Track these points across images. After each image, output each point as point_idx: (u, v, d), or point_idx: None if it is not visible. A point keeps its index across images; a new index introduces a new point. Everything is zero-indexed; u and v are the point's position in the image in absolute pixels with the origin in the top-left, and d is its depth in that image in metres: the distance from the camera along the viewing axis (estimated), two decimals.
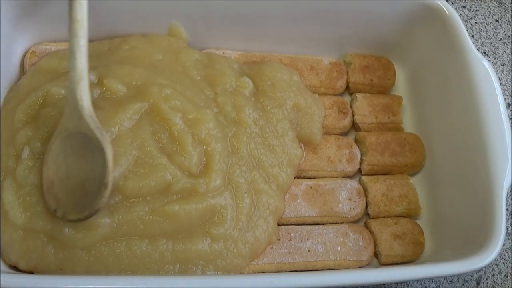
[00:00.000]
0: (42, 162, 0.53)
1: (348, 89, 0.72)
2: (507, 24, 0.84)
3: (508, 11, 0.85)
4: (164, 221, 0.54)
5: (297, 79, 0.67)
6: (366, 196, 0.65)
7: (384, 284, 0.64)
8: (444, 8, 0.64)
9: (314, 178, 0.65)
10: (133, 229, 0.53)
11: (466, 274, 0.66)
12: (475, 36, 0.83)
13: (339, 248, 0.60)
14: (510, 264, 0.68)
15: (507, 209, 0.56)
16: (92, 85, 0.58)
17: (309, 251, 0.59)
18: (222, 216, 0.56)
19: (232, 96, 0.63)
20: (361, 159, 0.67)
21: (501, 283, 0.66)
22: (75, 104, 0.53)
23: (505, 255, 0.68)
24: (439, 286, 0.65)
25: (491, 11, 0.85)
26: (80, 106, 0.52)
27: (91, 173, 0.52)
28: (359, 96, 0.70)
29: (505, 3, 0.85)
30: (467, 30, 0.62)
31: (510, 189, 0.65)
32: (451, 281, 0.66)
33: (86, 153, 0.52)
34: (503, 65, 0.81)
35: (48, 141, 0.54)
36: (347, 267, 0.60)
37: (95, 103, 0.57)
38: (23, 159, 0.54)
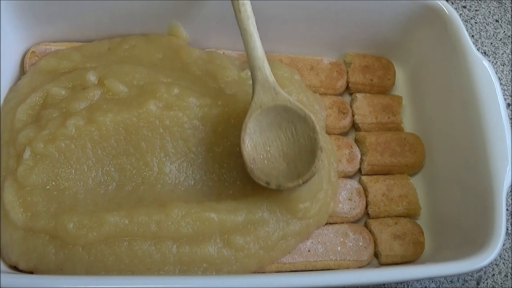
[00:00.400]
0: (240, 142, 0.55)
1: (348, 89, 0.72)
2: (507, 24, 0.84)
3: (508, 11, 0.85)
4: (187, 226, 0.54)
5: (298, 78, 0.67)
6: (366, 196, 0.65)
7: (384, 284, 0.64)
8: (444, 8, 0.64)
9: None
10: (142, 230, 0.53)
11: (466, 274, 0.66)
12: (475, 36, 0.83)
13: (339, 248, 0.60)
14: (510, 264, 0.68)
15: (507, 209, 0.56)
16: (92, 86, 0.59)
17: (309, 251, 0.59)
18: (250, 229, 0.56)
19: (239, 86, 0.63)
20: (361, 159, 0.67)
21: (501, 283, 0.67)
22: (266, 80, 0.55)
23: (505, 255, 0.68)
24: (439, 286, 0.65)
25: (491, 11, 0.85)
26: (272, 82, 0.56)
27: (294, 142, 0.55)
28: (359, 96, 0.70)
29: (505, 3, 0.85)
30: (467, 30, 0.62)
31: (510, 189, 0.65)
32: (451, 281, 0.66)
33: (283, 124, 0.55)
34: (503, 65, 0.81)
35: (52, 143, 0.55)
36: (347, 267, 0.60)
37: (98, 105, 0.57)
38: (25, 160, 0.54)
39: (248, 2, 0.57)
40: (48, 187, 0.55)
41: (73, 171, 0.56)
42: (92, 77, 0.59)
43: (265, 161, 0.55)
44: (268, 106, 0.55)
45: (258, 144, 0.55)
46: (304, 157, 0.54)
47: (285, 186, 0.53)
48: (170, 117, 0.57)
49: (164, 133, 0.58)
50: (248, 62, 0.56)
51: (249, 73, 0.65)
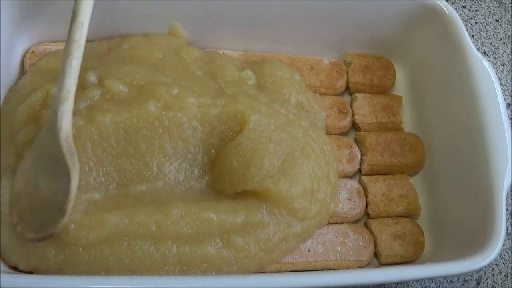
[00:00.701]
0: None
1: (348, 89, 0.72)
2: (507, 24, 0.84)
3: (508, 11, 0.85)
4: (187, 225, 0.54)
5: (298, 78, 0.67)
6: (366, 196, 0.65)
7: (384, 284, 0.64)
8: (444, 8, 0.64)
9: None
10: (142, 230, 0.53)
11: (466, 274, 0.66)
12: (475, 36, 0.83)
13: (339, 248, 0.60)
14: (510, 264, 0.68)
15: (507, 209, 0.56)
16: (92, 86, 0.58)
17: (309, 251, 0.59)
18: (250, 231, 0.56)
19: (239, 86, 0.63)
20: (361, 159, 0.67)
21: (501, 283, 0.66)
22: (54, 123, 0.51)
23: (505, 255, 0.68)
24: (439, 286, 0.65)
25: (491, 11, 0.85)
26: (58, 127, 0.51)
27: (55, 196, 0.51)
28: (359, 96, 0.70)
29: (505, 3, 0.85)
30: (467, 30, 0.62)
31: (510, 189, 0.65)
32: (451, 281, 0.66)
33: (55, 174, 0.51)
34: (503, 65, 0.81)
35: None
36: (347, 267, 0.60)
37: (98, 105, 0.57)
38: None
39: (78, 42, 0.54)
40: None
41: None
42: (92, 77, 0.59)
43: (28, 204, 0.52)
44: (47, 150, 0.52)
45: (29, 184, 0.52)
46: (54, 213, 0.50)
47: (26, 236, 0.51)
48: (169, 118, 0.57)
49: (163, 133, 0.57)
50: (51, 101, 0.53)
51: (249, 73, 0.65)
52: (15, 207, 0.52)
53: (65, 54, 0.53)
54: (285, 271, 0.58)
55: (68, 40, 0.54)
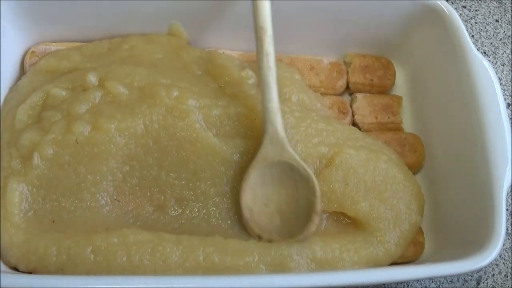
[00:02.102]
0: (239, 190, 0.56)
1: (348, 89, 0.72)
2: (507, 24, 0.84)
3: (508, 11, 0.85)
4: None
5: (298, 77, 0.67)
6: None
7: (384, 284, 0.64)
8: (444, 8, 0.64)
9: None
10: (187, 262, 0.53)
11: (466, 274, 0.66)
12: (475, 36, 0.83)
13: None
14: (510, 264, 0.68)
15: (507, 209, 0.56)
16: (93, 88, 0.58)
17: None
18: None
19: (238, 86, 0.63)
20: None
21: (501, 283, 0.66)
22: (276, 135, 0.55)
23: (505, 255, 0.68)
24: (439, 286, 0.65)
25: (491, 11, 0.85)
26: (282, 137, 0.55)
27: (293, 200, 0.56)
28: (359, 96, 0.70)
29: (505, 3, 0.85)
30: (467, 30, 0.62)
31: (510, 189, 0.65)
32: (451, 281, 0.66)
33: (286, 181, 0.56)
34: (503, 65, 0.81)
35: (60, 146, 0.55)
36: None
37: (99, 109, 0.57)
38: (35, 166, 0.54)
39: (273, 54, 0.57)
40: (57, 192, 0.55)
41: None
42: (92, 78, 0.59)
43: (261, 214, 0.56)
44: (273, 161, 0.55)
45: (257, 196, 0.56)
46: (300, 217, 0.55)
47: (274, 241, 0.54)
48: (174, 126, 0.57)
49: (168, 146, 0.57)
50: (263, 113, 0.56)
51: (249, 72, 0.65)
52: (251, 221, 0.55)
53: (265, 68, 0.56)
54: None
55: (262, 54, 0.57)
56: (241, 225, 0.57)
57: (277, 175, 0.56)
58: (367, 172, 0.59)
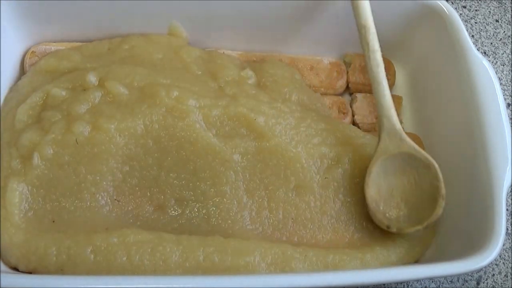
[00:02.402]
0: (363, 185, 0.58)
1: (348, 89, 0.72)
2: (507, 24, 0.84)
3: (508, 11, 0.85)
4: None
5: (298, 77, 0.67)
6: None
7: (384, 284, 0.63)
8: (444, 8, 0.64)
9: None
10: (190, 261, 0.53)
11: (466, 274, 0.66)
12: (475, 36, 0.83)
13: None
14: (510, 264, 0.67)
15: (507, 209, 0.56)
16: (93, 88, 0.58)
17: None
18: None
19: (238, 86, 0.63)
20: None
21: (501, 283, 0.66)
22: (393, 128, 0.58)
23: (505, 255, 0.68)
24: (439, 286, 0.65)
25: (491, 11, 0.85)
26: (399, 130, 0.58)
27: (416, 187, 0.58)
28: (359, 96, 0.70)
29: (505, 3, 0.85)
30: (467, 30, 0.62)
31: (510, 189, 0.65)
32: (451, 281, 0.66)
33: (408, 170, 0.58)
34: (503, 65, 0.81)
35: (60, 146, 0.55)
36: None
37: (99, 109, 0.57)
38: (35, 166, 0.54)
39: (379, 51, 0.60)
40: (57, 192, 0.55)
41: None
42: (92, 78, 0.59)
43: (388, 205, 0.58)
44: (393, 153, 0.58)
45: (381, 188, 0.58)
46: (426, 203, 0.57)
47: (406, 231, 0.56)
48: (173, 127, 0.57)
49: (167, 146, 0.57)
50: (377, 109, 0.60)
51: (249, 72, 0.65)
52: (378, 213, 0.57)
53: (374, 65, 0.60)
54: None
55: (369, 52, 0.60)
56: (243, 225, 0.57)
57: (398, 165, 0.58)
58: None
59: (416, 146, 0.58)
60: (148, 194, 0.57)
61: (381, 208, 0.58)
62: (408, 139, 0.58)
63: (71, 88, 0.59)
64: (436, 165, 0.57)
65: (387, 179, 0.58)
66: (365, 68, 0.60)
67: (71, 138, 0.55)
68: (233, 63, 0.66)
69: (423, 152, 0.58)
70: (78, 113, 0.57)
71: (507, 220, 0.67)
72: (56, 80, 0.60)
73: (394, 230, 0.56)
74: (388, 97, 0.59)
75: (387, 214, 0.57)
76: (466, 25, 0.82)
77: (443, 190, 0.56)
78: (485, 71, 0.60)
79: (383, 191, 0.58)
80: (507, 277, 0.67)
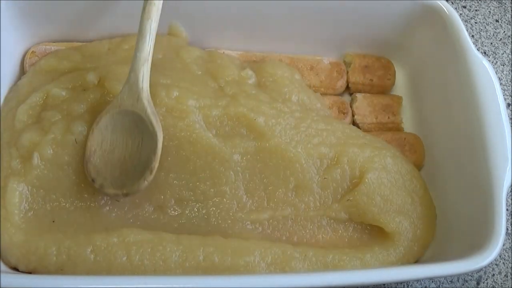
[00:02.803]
0: (89, 133, 0.55)
1: (348, 89, 0.72)
2: (507, 24, 0.84)
3: (508, 11, 0.85)
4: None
5: (298, 77, 0.67)
6: None
7: (384, 284, 0.63)
8: (444, 8, 0.64)
9: None
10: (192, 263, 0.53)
11: (466, 274, 0.66)
12: (475, 36, 0.83)
13: None
14: (510, 264, 0.68)
15: (507, 209, 0.56)
16: (93, 88, 0.58)
17: None
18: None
19: (238, 86, 0.63)
20: None
21: (501, 283, 0.66)
22: (136, 84, 0.54)
23: (505, 255, 0.68)
24: (439, 286, 0.65)
25: (491, 11, 0.85)
26: (141, 88, 0.54)
27: (137, 153, 0.54)
28: (359, 96, 0.70)
29: (505, 3, 0.85)
30: (467, 30, 0.62)
31: (510, 189, 0.65)
32: (451, 281, 0.66)
33: (135, 133, 0.54)
34: (503, 65, 0.81)
35: (60, 146, 0.55)
36: None
37: (99, 109, 0.57)
38: (35, 166, 0.54)
39: (158, 3, 0.56)
40: (57, 192, 0.55)
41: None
42: (92, 78, 0.59)
43: (103, 160, 0.54)
44: (126, 109, 0.54)
45: (105, 141, 0.55)
46: (138, 172, 0.54)
47: (106, 191, 0.53)
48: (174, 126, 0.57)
49: (167, 146, 0.57)
50: (131, 62, 0.55)
51: (249, 72, 0.65)
52: (90, 163, 0.54)
53: (145, 18, 0.56)
54: None
55: (148, 3, 0.56)
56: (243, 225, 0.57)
57: (128, 124, 0.55)
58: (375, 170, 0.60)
59: (150, 111, 0.54)
60: (148, 194, 0.57)
61: (94, 159, 0.54)
62: (145, 101, 0.54)
63: (71, 88, 0.59)
64: (159, 138, 0.54)
65: (113, 134, 0.55)
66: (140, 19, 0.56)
67: (70, 138, 0.55)
68: (233, 63, 0.66)
69: (153, 119, 0.54)
70: (78, 113, 0.57)
71: (507, 220, 0.67)
72: (56, 80, 0.60)
73: (96, 186, 0.53)
74: (146, 52, 0.55)
75: (97, 168, 0.54)
76: (466, 25, 0.82)
77: (154, 163, 0.53)
78: (485, 71, 0.60)
79: (105, 144, 0.54)
80: (507, 277, 0.67)
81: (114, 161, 0.54)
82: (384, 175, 0.60)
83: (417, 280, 0.65)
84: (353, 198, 0.59)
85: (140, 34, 0.56)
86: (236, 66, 0.65)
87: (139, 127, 0.54)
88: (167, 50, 0.65)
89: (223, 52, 0.69)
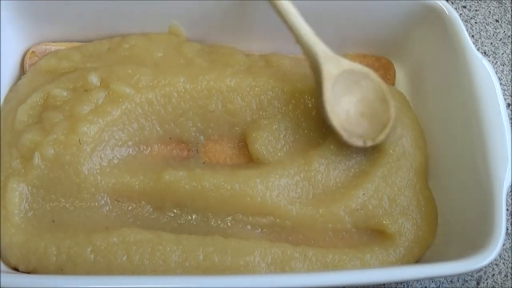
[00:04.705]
0: (325, 117, 0.58)
1: None
2: (507, 24, 0.84)
3: (508, 11, 0.85)
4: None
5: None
6: None
7: (384, 284, 0.63)
8: (444, 8, 0.64)
9: None
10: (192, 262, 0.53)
11: (466, 274, 0.66)
12: (475, 36, 0.83)
13: None
14: (510, 264, 0.67)
15: (507, 209, 0.56)
16: (95, 89, 0.58)
17: None
18: None
19: (250, 69, 0.63)
20: None
21: (501, 283, 0.66)
22: (326, 52, 0.59)
23: (505, 255, 0.68)
24: (439, 286, 0.65)
25: (491, 11, 0.85)
26: (331, 52, 0.59)
27: (366, 99, 0.59)
28: None
29: (505, 3, 0.85)
30: (467, 30, 0.62)
31: (510, 189, 0.65)
32: (451, 281, 0.66)
33: (352, 86, 0.59)
34: (503, 65, 0.81)
35: (62, 147, 0.55)
36: None
37: (103, 109, 0.57)
38: (35, 166, 0.54)
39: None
40: (57, 192, 0.55)
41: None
42: (94, 79, 0.59)
43: (351, 125, 0.58)
44: (337, 74, 0.58)
45: (341, 112, 0.58)
46: (378, 108, 0.59)
47: (379, 138, 0.59)
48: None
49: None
50: (300, 41, 0.59)
51: (257, 58, 0.65)
52: (351, 136, 0.58)
53: (285, 10, 0.60)
54: None
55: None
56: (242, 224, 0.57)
57: (344, 85, 0.59)
58: None
59: (350, 61, 0.60)
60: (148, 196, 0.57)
61: (350, 130, 0.58)
62: (342, 57, 0.59)
63: (72, 88, 0.59)
64: (372, 71, 0.60)
65: (339, 103, 0.58)
66: (277, 14, 0.60)
67: (74, 138, 0.55)
68: (237, 50, 0.66)
69: (358, 64, 0.60)
70: (81, 114, 0.56)
71: (507, 220, 0.67)
72: (56, 80, 0.60)
73: (370, 143, 0.58)
74: (311, 33, 0.59)
75: (356, 133, 0.58)
76: (466, 25, 0.82)
77: (386, 91, 0.60)
78: (485, 71, 0.60)
79: (342, 115, 0.58)
80: (507, 277, 0.67)
81: (357, 119, 0.59)
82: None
83: (417, 280, 0.65)
84: (361, 207, 0.59)
85: (292, 26, 0.59)
86: (241, 52, 0.65)
87: (351, 80, 0.59)
88: (167, 48, 0.64)
89: None
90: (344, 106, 0.58)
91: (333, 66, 0.58)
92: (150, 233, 0.53)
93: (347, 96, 0.59)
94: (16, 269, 0.53)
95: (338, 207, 0.58)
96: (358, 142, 0.58)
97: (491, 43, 0.82)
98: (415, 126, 0.65)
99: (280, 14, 0.59)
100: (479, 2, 0.85)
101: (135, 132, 0.59)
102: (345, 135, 0.58)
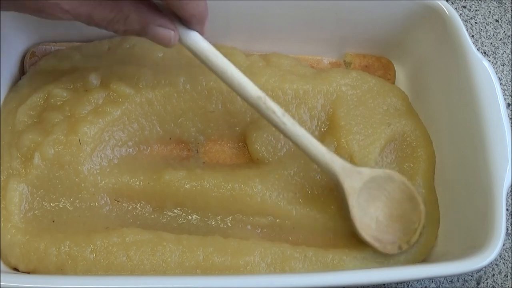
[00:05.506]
0: (357, 234, 0.56)
1: None
2: (507, 24, 0.84)
3: (508, 11, 0.85)
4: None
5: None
6: None
7: (384, 284, 0.63)
8: (444, 8, 0.64)
9: None
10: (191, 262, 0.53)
11: (466, 274, 0.66)
12: (475, 36, 0.83)
13: None
14: (510, 264, 0.67)
15: (507, 209, 0.56)
16: (96, 89, 0.58)
17: None
18: None
19: (250, 69, 0.63)
20: None
21: (501, 283, 0.66)
22: (344, 167, 0.55)
23: (505, 255, 0.68)
24: (439, 286, 0.65)
25: (491, 11, 0.85)
26: (348, 164, 0.56)
27: (391, 200, 0.58)
28: None
29: (505, 3, 0.85)
30: (467, 30, 0.62)
31: (510, 189, 0.65)
32: (451, 281, 0.66)
33: (375, 192, 0.57)
34: (503, 65, 0.81)
35: (62, 147, 0.55)
36: None
37: (103, 110, 0.57)
38: (35, 166, 0.54)
39: (287, 115, 0.54)
40: (57, 192, 0.55)
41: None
42: (94, 79, 0.59)
43: (382, 233, 0.57)
44: (360, 188, 0.56)
45: (370, 224, 0.56)
46: (407, 206, 0.58)
47: (414, 239, 0.57)
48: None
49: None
50: (316, 162, 0.56)
51: (257, 58, 0.65)
52: (386, 245, 0.57)
53: (290, 130, 0.54)
54: None
55: (268, 112, 0.54)
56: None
57: (367, 194, 0.57)
58: None
59: (369, 169, 0.57)
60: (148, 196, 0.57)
61: (384, 239, 0.57)
62: (361, 168, 0.56)
63: (72, 89, 0.59)
64: (394, 172, 0.58)
65: (367, 213, 0.57)
66: (283, 134, 0.55)
67: (74, 138, 0.55)
68: (237, 50, 0.66)
69: (379, 169, 0.58)
70: (82, 114, 0.56)
71: (507, 220, 0.67)
72: (57, 81, 0.60)
73: (406, 246, 0.57)
74: (322, 149, 0.55)
75: (390, 240, 0.57)
76: (466, 25, 0.82)
77: (412, 188, 0.58)
78: (485, 71, 0.60)
79: (372, 225, 0.57)
80: (507, 277, 0.67)
81: (388, 224, 0.57)
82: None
83: (417, 280, 0.65)
84: None
85: (301, 145, 0.54)
86: (242, 52, 0.65)
87: (373, 186, 0.57)
88: (167, 49, 0.64)
89: None
90: (372, 214, 0.57)
91: (355, 180, 0.56)
92: (150, 233, 0.53)
93: (373, 203, 0.57)
94: (16, 269, 0.53)
95: (338, 207, 0.58)
96: (394, 250, 0.57)
97: (491, 43, 0.82)
98: (419, 125, 0.65)
99: (294, 142, 0.55)
100: (479, 2, 0.85)
101: (135, 132, 0.59)
102: (380, 247, 0.56)
